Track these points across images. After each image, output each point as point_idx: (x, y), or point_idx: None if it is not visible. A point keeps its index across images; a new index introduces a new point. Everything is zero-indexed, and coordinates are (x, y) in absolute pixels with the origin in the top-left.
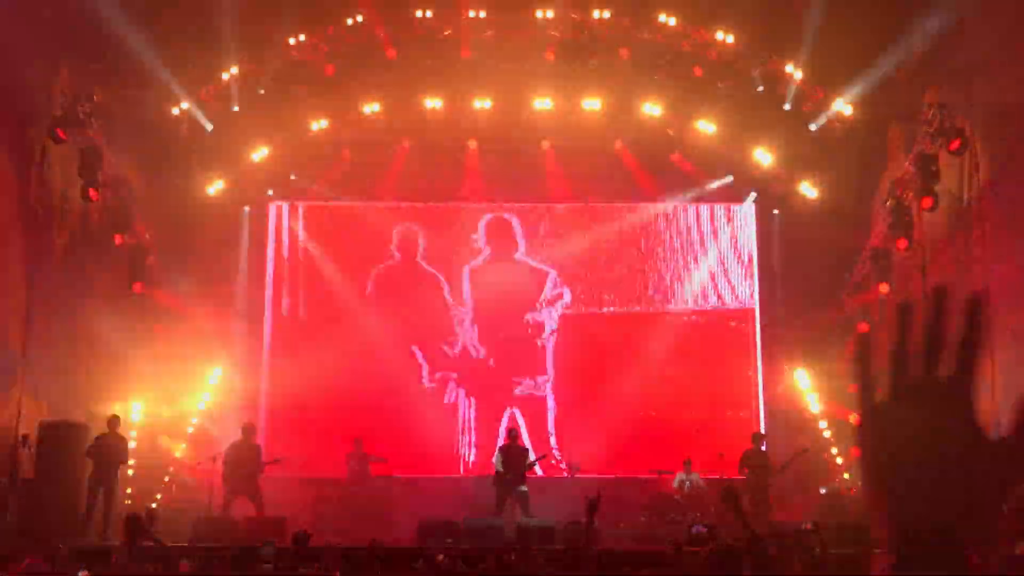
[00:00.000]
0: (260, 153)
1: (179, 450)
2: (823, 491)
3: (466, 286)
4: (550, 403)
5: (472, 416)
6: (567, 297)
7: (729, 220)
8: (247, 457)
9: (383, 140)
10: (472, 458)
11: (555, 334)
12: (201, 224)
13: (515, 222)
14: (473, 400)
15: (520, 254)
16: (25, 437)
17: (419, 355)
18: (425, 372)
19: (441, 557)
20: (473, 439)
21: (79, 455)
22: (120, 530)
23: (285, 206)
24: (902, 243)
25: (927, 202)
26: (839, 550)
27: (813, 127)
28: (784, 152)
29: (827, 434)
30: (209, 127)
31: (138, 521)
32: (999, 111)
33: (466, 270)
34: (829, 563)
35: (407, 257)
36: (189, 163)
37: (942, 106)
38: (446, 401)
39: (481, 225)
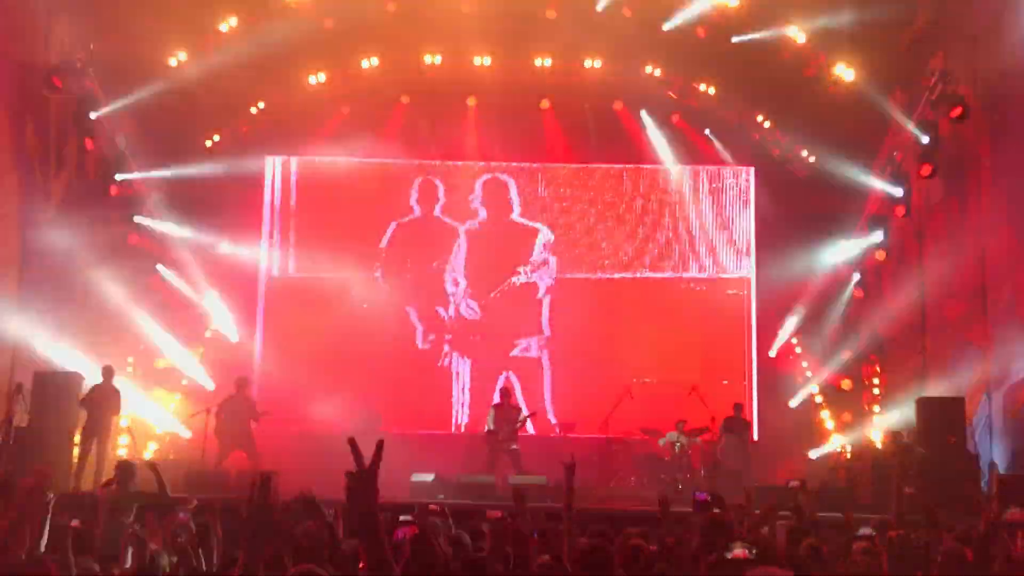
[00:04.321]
0: (257, 107)
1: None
2: (812, 455)
3: (462, 247)
4: (545, 365)
5: (467, 379)
6: (552, 265)
7: (727, 184)
8: (241, 410)
9: (381, 96)
10: (466, 420)
11: (548, 295)
12: (198, 177)
13: (511, 183)
14: (468, 362)
15: (515, 215)
16: (19, 385)
17: (413, 316)
18: (419, 334)
19: (434, 507)
20: (467, 401)
21: (73, 404)
22: (113, 477)
23: (279, 161)
24: (899, 210)
25: (926, 169)
26: (825, 513)
27: (814, 92)
28: (784, 116)
29: (819, 399)
30: (206, 79)
31: (130, 467)
32: (1000, 79)
33: (462, 231)
34: (816, 523)
35: (426, 211)
36: (186, 116)
37: (944, 73)
38: (440, 364)
39: (478, 185)
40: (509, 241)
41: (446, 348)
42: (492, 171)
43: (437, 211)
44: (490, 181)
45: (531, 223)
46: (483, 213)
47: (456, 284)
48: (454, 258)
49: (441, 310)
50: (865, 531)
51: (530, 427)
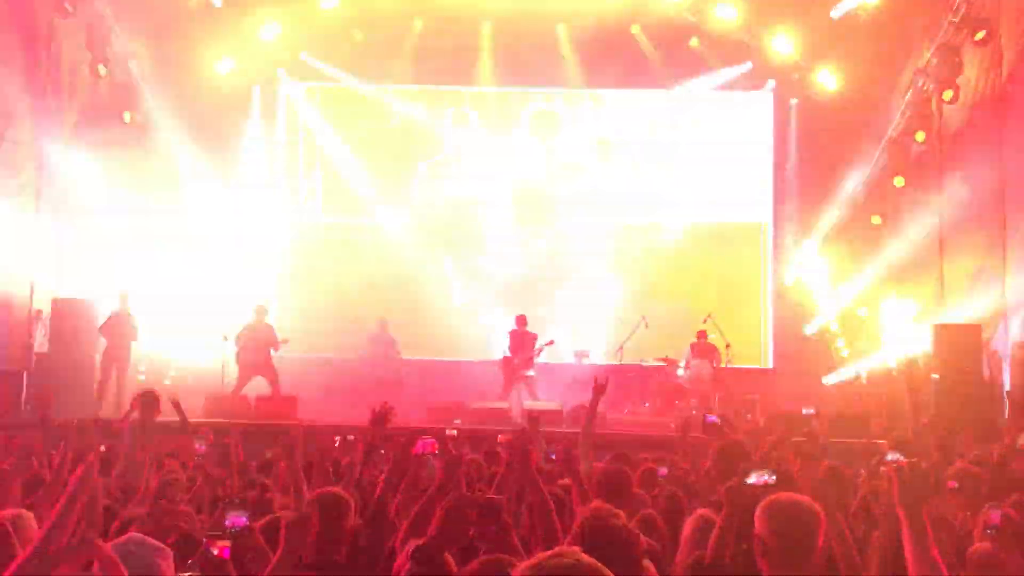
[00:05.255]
0: (270, 31)
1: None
2: (827, 382)
3: (506, 186)
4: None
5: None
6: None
7: (746, 108)
8: (260, 337)
9: (394, 20)
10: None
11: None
12: (212, 103)
13: (560, 112)
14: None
15: (563, 148)
16: (38, 312)
17: (448, 268)
18: (456, 288)
19: (453, 432)
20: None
21: (92, 331)
22: (134, 405)
23: (294, 88)
24: (920, 135)
25: (948, 93)
26: (841, 439)
27: (835, 14)
28: (805, 40)
29: (834, 326)
30: (218, 3)
31: (152, 396)
32: None
33: (502, 171)
34: (829, 450)
35: (458, 146)
36: (198, 40)
37: None
38: (481, 322)
39: (525, 117)
40: (556, 180)
41: (487, 302)
42: (511, 97)
43: (469, 146)
44: (539, 113)
45: (581, 163)
46: (532, 146)
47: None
48: (493, 200)
49: (481, 260)
50: (893, 456)
51: (564, 352)
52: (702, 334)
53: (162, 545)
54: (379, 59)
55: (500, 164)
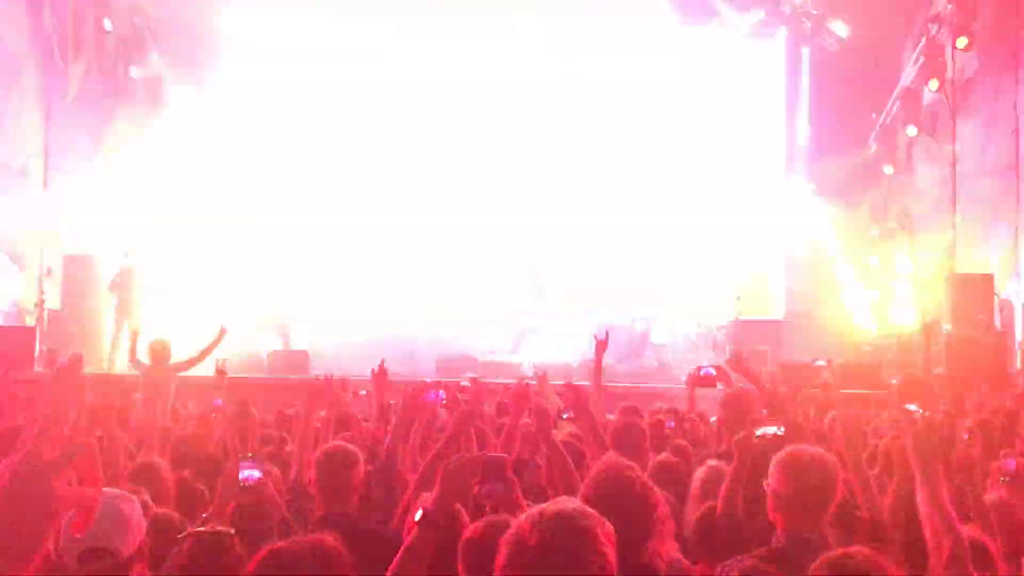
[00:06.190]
0: None
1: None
2: (838, 334)
3: None
4: None
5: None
6: None
7: (756, 58)
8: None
9: None
10: None
11: None
12: (219, 57)
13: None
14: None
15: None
16: (49, 269)
17: (455, 223)
18: (466, 243)
19: (468, 382)
20: None
21: (102, 287)
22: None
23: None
24: (934, 83)
25: (963, 41)
26: (851, 389)
27: None
28: None
29: (848, 278)
30: None
31: (162, 346)
32: None
33: None
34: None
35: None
36: None
37: None
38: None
39: (528, 64)
40: (562, 131)
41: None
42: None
43: (473, 95)
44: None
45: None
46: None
47: None
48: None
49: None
50: (912, 407)
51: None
52: None
53: (123, 492)
54: None
55: (503, 111)
